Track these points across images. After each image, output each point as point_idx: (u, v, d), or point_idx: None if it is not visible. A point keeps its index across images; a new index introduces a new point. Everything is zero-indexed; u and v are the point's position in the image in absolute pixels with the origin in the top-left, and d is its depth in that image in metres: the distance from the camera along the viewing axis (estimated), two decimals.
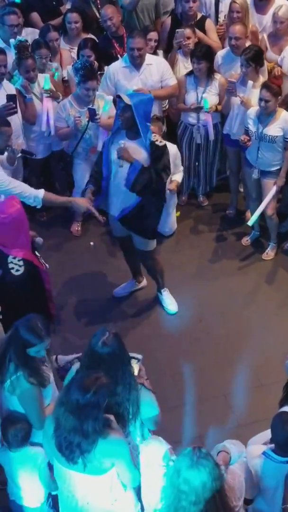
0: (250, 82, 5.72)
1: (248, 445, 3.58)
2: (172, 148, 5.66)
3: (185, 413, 4.66)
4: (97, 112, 5.76)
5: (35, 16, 6.80)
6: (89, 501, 3.16)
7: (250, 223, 5.93)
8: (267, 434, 3.54)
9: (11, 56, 5.97)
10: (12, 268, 4.29)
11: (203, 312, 5.57)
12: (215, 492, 2.66)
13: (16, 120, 5.66)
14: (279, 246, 6.16)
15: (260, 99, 5.49)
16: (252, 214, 6.00)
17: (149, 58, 6.01)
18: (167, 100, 6.50)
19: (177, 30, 6.25)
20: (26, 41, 6.08)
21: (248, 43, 5.99)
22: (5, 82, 5.79)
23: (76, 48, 6.36)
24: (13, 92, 5.75)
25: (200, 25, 6.45)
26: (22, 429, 3.52)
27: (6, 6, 6.45)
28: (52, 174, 6.75)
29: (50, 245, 5.92)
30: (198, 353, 5.20)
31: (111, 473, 3.10)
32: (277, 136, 5.59)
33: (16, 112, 5.67)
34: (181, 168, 6.15)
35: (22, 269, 4.30)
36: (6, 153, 5.20)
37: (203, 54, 5.94)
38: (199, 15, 6.53)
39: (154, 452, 3.21)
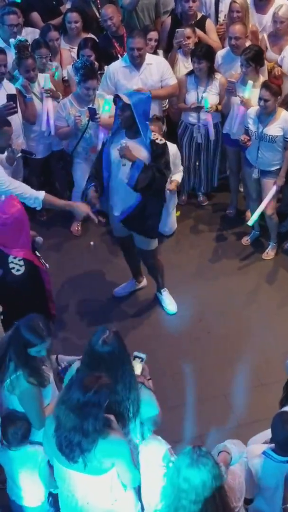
0: (250, 82, 5.72)
1: (248, 445, 3.59)
2: (172, 148, 5.66)
3: (185, 413, 4.66)
4: (97, 112, 5.76)
5: (35, 15, 6.80)
6: (89, 501, 3.16)
7: (250, 223, 5.93)
8: (267, 433, 3.55)
9: (11, 56, 5.98)
10: (13, 268, 4.28)
11: (203, 312, 5.57)
12: (215, 491, 2.66)
13: (16, 120, 5.66)
14: (279, 246, 6.16)
15: (260, 99, 5.49)
16: (252, 214, 6.00)
17: (149, 57, 6.01)
18: (167, 100, 6.50)
19: (177, 30, 6.25)
20: (26, 40, 6.08)
21: (248, 43, 5.99)
22: (5, 81, 5.79)
23: (76, 48, 6.36)
24: (13, 91, 5.75)
25: (200, 25, 6.45)
26: (22, 427, 3.53)
27: (6, 6, 6.45)
28: (52, 174, 6.76)
29: (50, 245, 5.92)
30: (198, 353, 5.20)
31: (111, 473, 3.09)
32: (277, 135, 5.59)
33: (16, 112, 5.67)
34: (181, 168, 6.16)
35: (23, 269, 4.30)
36: (6, 153, 5.20)
37: (203, 53, 5.93)
38: (199, 15, 6.53)
39: (153, 452, 3.21)
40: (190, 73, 6.13)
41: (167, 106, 6.58)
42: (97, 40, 6.41)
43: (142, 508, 3.32)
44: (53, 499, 3.68)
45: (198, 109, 6.10)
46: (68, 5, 6.89)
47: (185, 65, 6.34)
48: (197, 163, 6.53)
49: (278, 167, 5.75)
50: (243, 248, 6.25)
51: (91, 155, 6.00)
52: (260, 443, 3.56)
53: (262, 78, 5.87)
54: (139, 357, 3.52)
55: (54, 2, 6.96)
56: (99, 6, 6.83)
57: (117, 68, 6.01)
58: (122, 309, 5.65)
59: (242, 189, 6.55)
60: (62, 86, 6.36)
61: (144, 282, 5.78)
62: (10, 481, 3.71)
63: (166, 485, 2.81)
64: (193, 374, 4.95)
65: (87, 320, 5.49)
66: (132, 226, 5.05)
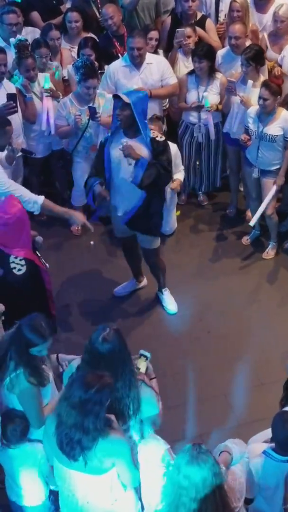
0: (250, 81, 5.72)
1: (248, 444, 3.58)
2: (172, 148, 5.64)
3: (185, 413, 4.66)
4: (97, 111, 5.76)
5: (35, 15, 6.79)
6: (89, 501, 3.16)
7: (252, 223, 5.92)
8: (267, 433, 3.54)
9: (11, 55, 5.97)
10: (14, 268, 4.28)
11: (204, 312, 5.57)
12: (216, 489, 2.66)
13: (16, 119, 5.66)
14: (279, 245, 6.16)
15: (259, 98, 5.49)
16: (252, 213, 6.00)
17: (149, 57, 6.01)
18: (167, 99, 6.50)
19: (177, 29, 6.25)
20: (26, 40, 6.08)
21: (248, 42, 5.99)
22: (5, 81, 5.79)
23: (76, 47, 6.36)
24: (13, 91, 5.75)
25: (200, 24, 6.45)
26: (21, 424, 3.52)
27: (6, 5, 6.45)
28: (52, 173, 6.75)
29: (50, 245, 5.91)
30: (198, 352, 5.20)
31: (112, 473, 3.10)
32: (277, 135, 5.58)
33: (16, 111, 5.67)
34: (182, 167, 6.15)
35: (24, 269, 4.30)
36: (5, 152, 5.19)
37: (204, 53, 5.93)
38: (199, 15, 6.53)
39: (153, 452, 3.21)
40: (191, 72, 6.13)
41: (167, 106, 6.58)
42: (97, 40, 6.41)
43: (142, 508, 3.32)
44: (54, 497, 3.67)
45: (198, 108, 6.10)
46: (68, 5, 6.90)
47: (185, 64, 6.33)
48: (197, 163, 6.53)
49: (278, 166, 5.75)
50: (243, 248, 6.25)
51: (91, 154, 5.99)
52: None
53: (263, 77, 5.87)
54: (144, 356, 3.54)
55: (54, 2, 6.97)
56: (99, 5, 6.83)
57: (117, 68, 6.01)
58: (123, 308, 5.64)
59: (242, 189, 6.55)
60: (62, 85, 6.36)
61: (144, 281, 5.78)
62: (10, 480, 3.70)
63: (167, 484, 2.81)
64: (193, 373, 4.95)
65: (88, 320, 5.49)
66: (136, 226, 5.05)
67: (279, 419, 3.34)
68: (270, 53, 6.26)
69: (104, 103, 5.86)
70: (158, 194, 4.96)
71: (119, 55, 6.30)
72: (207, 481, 2.64)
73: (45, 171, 6.70)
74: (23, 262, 4.30)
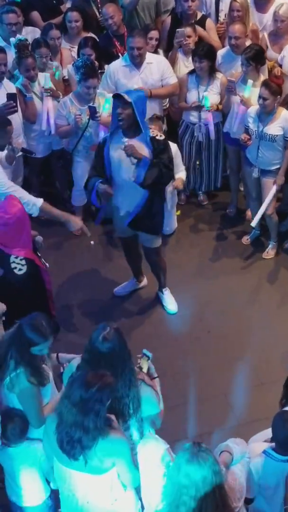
0: (250, 81, 5.72)
1: (248, 444, 3.58)
2: (172, 147, 5.64)
3: (186, 412, 4.66)
4: (97, 110, 5.76)
5: (35, 15, 6.80)
6: (89, 501, 3.16)
7: (253, 224, 5.91)
8: (267, 433, 3.54)
9: (11, 55, 5.97)
10: (15, 267, 4.28)
11: (204, 311, 5.57)
12: (216, 487, 2.66)
13: (16, 119, 5.66)
14: (279, 245, 6.16)
15: (259, 97, 5.49)
16: (252, 213, 6.00)
17: (149, 56, 6.01)
18: (167, 99, 6.50)
19: (177, 29, 6.25)
20: (26, 40, 6.08)
21: (248, 42, 5.99)
22: (5, 81, 5.79)
23: (76, 47, 6.36)
24: (14, 91, 5.75)
25: (200, 24, 6.45)
26: (20, 422, 3.52)
27: (6, 5, 6.46)
28: (52, 173, 6.75)
29: (50, 244, 5.91)
30: (198, 352, 5.20)
31: (112, 472, 3.10)
32: (277, 135, 5.58)
33: (16, 111, 5.67)
34: (183, 167, 6.13)
35: (25, 268, 4.30)
36: (6, 151, 5.19)
37: (205, 53, 5.93)
38: (199, 14, 6.53)
39: (152, 452, 3.21)
40: (192, 72, 6.13)
41: (167, 105, 6.58)
42: (98, 39, 6.41)
43: (142, 508, 3.32)
44: (54, 495, 3.67)
45: (199, 108, 6.10)
46: (68, 4, 6.90)
47: (185, 64, 6.33)
48: (197, 163, 6.53)
49: (278, 166, 5.75)
50: (243, 248, 6.25)
51: (91, 154, 5.97)
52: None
53: (263, 77, 5.87)
54: (147, 355, 3.54)
55: (54, 1, 6.97)
56: (99, 5, 6.84)
57: (117, 67, 6.01)
58: (123, 308, 5.64)
59: (242, 188, 6.55)
60: (62, 85, 6.36)
61: (144, 281, 5.78)
62: (10, 480, 3.70)
63: (167, 483, 2.81)
64: (193, 373, 4.95)
65: (88, 319, 5.49)
66: (139, 226, 5.05)
67: (279, 419, 3.34)
68: (270, 53, 6.26)
69: (104, 103, 5.85)
70: (159, 193, 4.96)
71: (119, 54, 6.30)
72: (207, 480, 2.64)
73: (45, 171, 6.70)
74: (23, 262, 4.30)
